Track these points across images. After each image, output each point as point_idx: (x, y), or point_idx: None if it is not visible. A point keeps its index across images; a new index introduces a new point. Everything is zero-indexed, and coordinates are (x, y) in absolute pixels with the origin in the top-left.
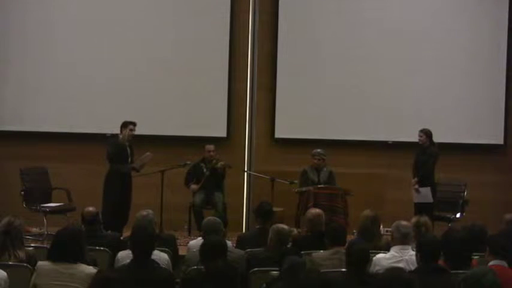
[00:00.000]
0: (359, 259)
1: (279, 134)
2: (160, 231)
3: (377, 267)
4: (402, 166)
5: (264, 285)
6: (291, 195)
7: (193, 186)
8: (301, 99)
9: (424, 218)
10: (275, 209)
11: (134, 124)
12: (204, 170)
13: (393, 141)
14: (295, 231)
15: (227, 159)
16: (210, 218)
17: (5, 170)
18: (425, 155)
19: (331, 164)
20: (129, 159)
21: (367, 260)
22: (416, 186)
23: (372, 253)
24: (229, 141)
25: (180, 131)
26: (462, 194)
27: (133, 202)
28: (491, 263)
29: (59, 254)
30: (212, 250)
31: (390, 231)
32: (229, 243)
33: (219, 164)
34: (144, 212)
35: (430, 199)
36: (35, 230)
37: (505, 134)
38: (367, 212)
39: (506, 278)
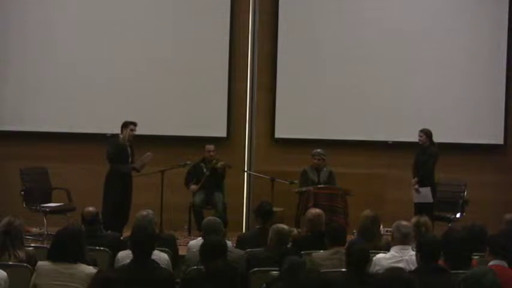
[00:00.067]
0: (359, 259)
1: (279, 134)
2: (160, 231)
3: (377, 267)
4: (402, 166)
5: (264, 285)
6: (291, 195)
7: (193, 187)
8: (301, 99)
9: (424, 218)
10: (275, 209)
11: (135, 124)
12: (204, 170)
13: (393, 141)
14: (295, 231)
15: (227, 159)
16: (210, 218)
17: (5, 170)
18: (425, 155)
19: (331, 164)
20: (130, 159)
21: (367, 260)
22: (416, 186)
23: (372, 253)
24: (229, 141)
25: (180, 131)
26: (462, 194)
27: (134, 202)
28: (491, 263)
29: (59, 254)
30: (212, 250)
31: (390, 231)
32: (229, 243)
33: (219, 164)
34: (144, 212)
35: (430, 199)
36: (35, 230)
37: (505, 134)
38: (367, 212)
39: (506, 278)
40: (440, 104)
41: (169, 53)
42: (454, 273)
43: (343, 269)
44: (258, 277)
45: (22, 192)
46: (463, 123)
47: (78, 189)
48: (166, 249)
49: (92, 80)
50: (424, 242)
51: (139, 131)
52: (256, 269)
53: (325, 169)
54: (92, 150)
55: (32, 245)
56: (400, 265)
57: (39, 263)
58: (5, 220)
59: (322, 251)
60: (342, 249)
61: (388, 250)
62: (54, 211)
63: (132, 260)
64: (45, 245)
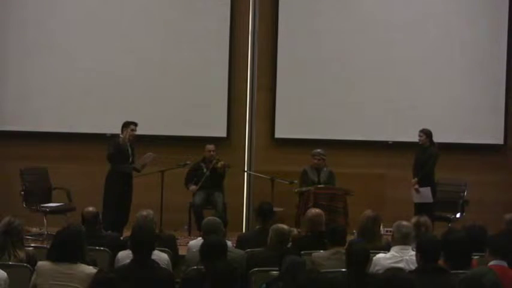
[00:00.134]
0: (359, 259)
1: (279, 134)
2: (160, 231)
3: (377, 267)
4: (402, 166)
5: (264, 285)
6: (291, 195)
7: (193, 187)
8: (301, 99)
9: (424, 218)
10: (275, 209)
11: (135, 124)
12: (204, 170)
13: (393, 141)
14: (295, 231)
15: (227, 159)
16: (210, 218)
17: (5, 170)
18: (425, 155)
19: (331, 164)
20: (130, 160)
21: (367, 260)
22: (416, 186)
23: (372, 253)
24: (229, 141)
25: (180, 131)
26: (462, 194)
27: (134, 202)
28: (491, 263)
29: (59, 254)
30: (212, 250)
31: (390, 231)
32: (229, 243)
33: (219, 164)
34: (144, 212)
35: (430, 199)
36: (35, 230)
37: (505, 134)
38: (368, 213)
39: (506, 278)
40: (440, 104)
41: (169, 52)
42: (454, 273)
43: (343, 269)
44: (258, 277)
45: (22, 192)
46: (463, 123)
47: (78, 189)
48: (166, 249)
49: (92, 80)
50: (424, 242)
51: (140, 131)
52: (256, 269)
53: (325, 169)
54: (92, 150)
55: (32, 245)
56: (400, 265)
57: (39, 263)
58: (5, 220)
59: (322, 251)
60: (342, 249)
61: (388, 250)
62: (54, 211)
63: (132, 260)
64: (45, 245)
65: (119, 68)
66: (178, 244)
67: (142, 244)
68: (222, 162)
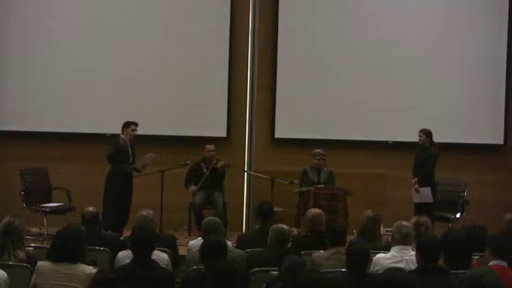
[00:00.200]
0: (359, 259)
1: (279, 134)
2: (160, 231)
3: (377, 267)
4: (402, 166)
5: (264, 285)
6: (291, 195)
7: (192, 188)
8: (301, 99)
9: (424, 218)
10: (275, 209)
11: (136, 124)
12: (204, 170)
13: (393, 141)
14: (295, 231)
15: (227, 159)
16: (210, 218)
17: (5, 170)
18: (425, 155)
19: (331, 164)
20: (131, 160)
21: (367, 260)
22: (416, 186)
23: (372, 253)
24: (229, 141)
25: (180, 131)
26: (462, 194)
27: (133, 202)
28: (491, 263)
29: (59, 254)
30: (212, 250)
31: (390, 231)
32: (229, 243)
33: (219, 164)
34: (144, 212)
35: (430, 199)
36: (35, 230)
37: (505, 134)
38: (368, 213)
39: (506, 278)
40: (440, 104)
41: (169, 53)
42: (454, 273)
43: (343, 269)
44: (258, 277)
45: (22, 192)
46: (463, 123)
47: (78, 189)
48: (167, 249)
49: (92, 80)
50: (424, 242)
51: (140, 131)
52: (256, 269)
53: (325, 169)
54: (92, 150)
55: (32, 245)
56: (400, 265)
57: (39, 263)
58: (5, 220)
59: (322, 251)
60: (342, 249)
61: (388, 250)
62: (54, 211)
63: (132, 260)
64: (45, 245)
65: (119, 68)
66: (178, 244)
67: (142, 244)
68: (222, 162)
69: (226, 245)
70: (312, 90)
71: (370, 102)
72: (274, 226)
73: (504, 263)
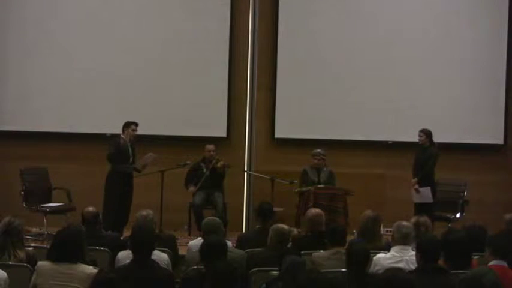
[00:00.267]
0: (359, 259)
1: (279, 134)
2: (160, 231)
3: (377, 267)
4: (402, 166)
5: (264, 285)
6: (291, 195)
7: (192, 188)
8: (301, 99)
9: (424, 218)
10: (275, 209)
11: (136, 124)
12: (204, 170)
13: (393, 141)
14: (295, 231)
15: (227, 159)
16: (210, 218)
17: (5, 170)
18: (425, 155)
19: (331, 164)
20: (131, 160)
21: (367, 260)
22: (416, 186)
23: (372, 253)
24: (229, 141)
25: (180, 131)
26: (462, 194)
27: (134, 202)
28: (491, 263)
29: (59, 254)
30: (212, 250)
31: (390, 231)
32: (229, 243)
33: (219, 164)
34: (144, 212)
35: (430, 199)
36: (35, 230)
37: (505, 134)
38: (368, 213)
39: (506, 278)
40: (440, 104)
41: (169, 52)
42: (454, 273)
43: (343, 269)
44: (258, 277)
45: (22, 192)
46: (463, 123)
47: (78, 189)
48: (167, 249)
49: (92, 80)
50: (424, 242)
51: (140, 131)
52: (256, 269)
53: (325, 169)
54: (92, 150)
55: (32, 245)
56: (400, 265)
57: (39, 263)
58: (5, 220)
59: (322, 251)
60: (342, 249)
61: (388, 250)
62: (54, 211)
63: (132, 260)
64: (45, 245)
65: (119, 68)
66: (178, 244)
67: (142, 244)
68: (222, 162)
69: (226, 245)
70: (312, 90)
71: (370, 102)
72: (274, 226)
73: (504, 263)
